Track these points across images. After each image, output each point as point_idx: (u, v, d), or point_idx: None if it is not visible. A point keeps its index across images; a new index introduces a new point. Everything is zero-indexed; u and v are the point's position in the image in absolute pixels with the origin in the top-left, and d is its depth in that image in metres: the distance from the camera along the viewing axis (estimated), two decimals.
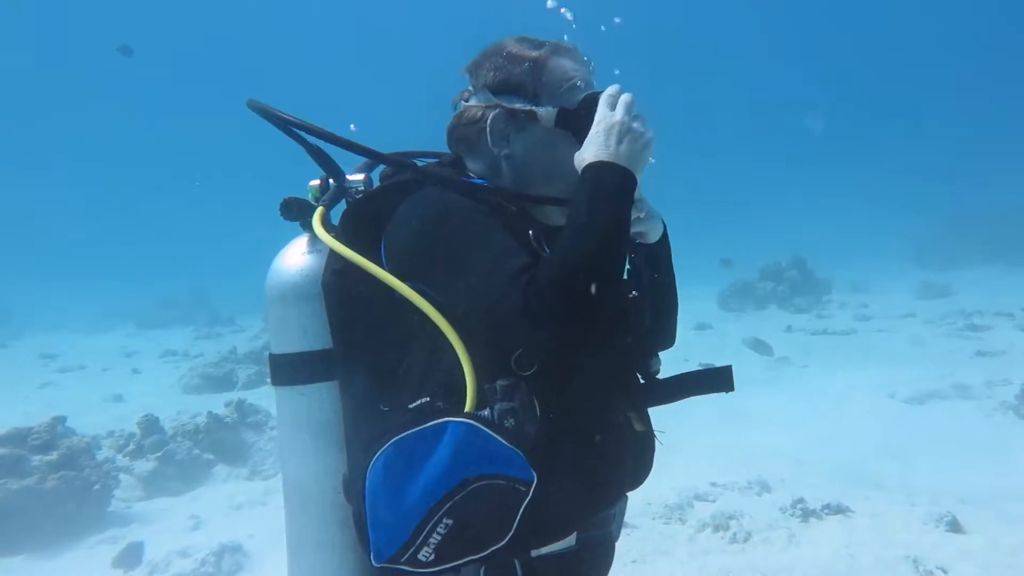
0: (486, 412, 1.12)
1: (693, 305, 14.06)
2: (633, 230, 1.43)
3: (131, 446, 5.95)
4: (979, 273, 15.22)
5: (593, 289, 1.07)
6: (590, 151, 1.21)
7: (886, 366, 7.90)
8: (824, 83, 51.39)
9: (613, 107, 1.25)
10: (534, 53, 1.35)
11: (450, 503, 1.10)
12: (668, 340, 1.59)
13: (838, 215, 27.22)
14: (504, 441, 1.11)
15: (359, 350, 1.30)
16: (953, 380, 6.98)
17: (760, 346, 9.30)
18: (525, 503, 1.12)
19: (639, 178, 1.22)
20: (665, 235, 1.53)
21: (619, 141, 1.20)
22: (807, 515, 4.26)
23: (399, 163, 1.34)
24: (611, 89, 1.28)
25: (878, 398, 6.80)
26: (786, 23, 51.54)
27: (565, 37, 1.42)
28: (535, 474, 1.12)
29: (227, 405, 6.46)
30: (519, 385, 1.14)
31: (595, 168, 1.20)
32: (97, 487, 4.82)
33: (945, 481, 4.66)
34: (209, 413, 6.25)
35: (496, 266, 1.12)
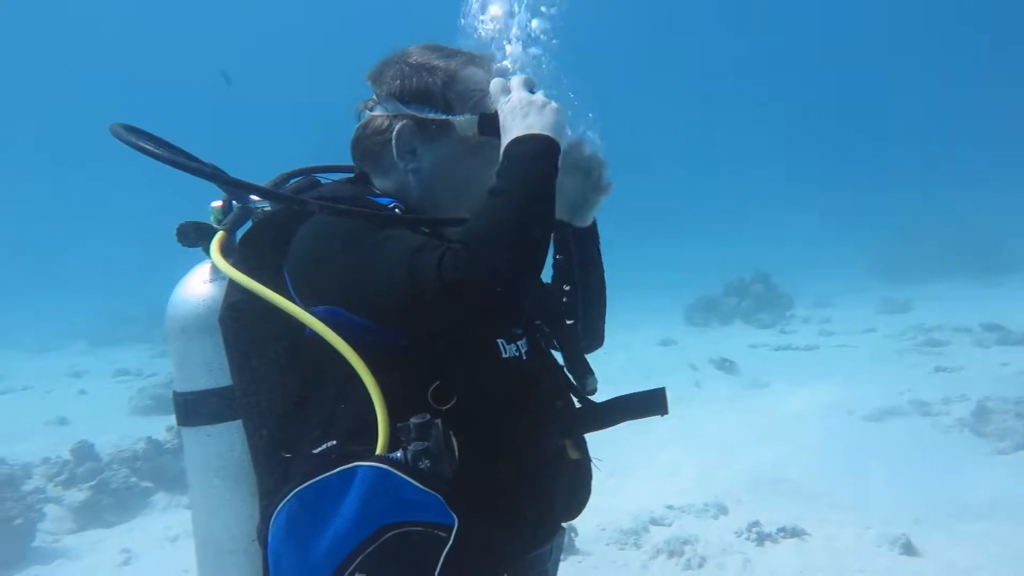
0: (398, 454, 1.02)
1: (659, 318, 14.05)
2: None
3: (64, 474, 5.63)
4: (938, 288, 15.45)
5: (519, 239, 1.04)
6: (505, 139, 1.17)
7: (847, 383, 7.89)
8: (786, 98, 52.17)
9: (508, 92, 1.22)
10: (446, 63, 1.27)
11: (362, 556, 1.00)
12: (595, 340, 1.53)
13: (801, 228, 27.60)
14: (419, 485, 1.00)
15: (259, 389, 1.20)
16: (911, 396, 6.99)
17: (726, 365, 9.30)
18: (447, 550, 1.01)
19: (561, 142, 1.16)
20: (595, 224, 1.49)
21: (524, 116, 1.16)
22: (762, 539, 4.18)
23: (278, 196, 1.22)
24: (496, 82, 1.24)
25: (838, 415, 6.76)
26: (744, 42, 52.03)
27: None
28: (456, 517, 1.01)
29: (169, 429, 6.16)
30: (434, 422, 1.04)
31: (512, 143, 1.14)
32: (19, 521, 4.52)
33: (901, 501, 4.60)
34: (149, 438, 5.96)
35: (407, 249, 1.03)
